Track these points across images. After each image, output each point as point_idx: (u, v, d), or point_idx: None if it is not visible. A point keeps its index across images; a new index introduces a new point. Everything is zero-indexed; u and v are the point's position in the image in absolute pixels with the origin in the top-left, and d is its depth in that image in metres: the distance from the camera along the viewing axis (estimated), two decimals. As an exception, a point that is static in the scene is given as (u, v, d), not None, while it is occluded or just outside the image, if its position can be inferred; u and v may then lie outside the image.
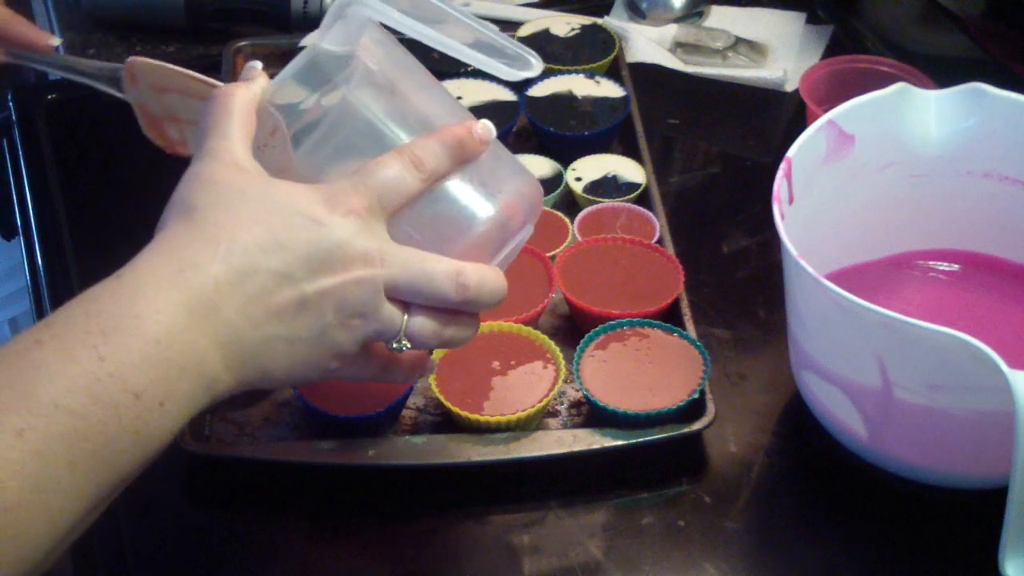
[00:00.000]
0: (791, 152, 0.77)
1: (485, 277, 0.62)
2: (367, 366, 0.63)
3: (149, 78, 0.79)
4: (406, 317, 0.60)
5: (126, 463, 0.53)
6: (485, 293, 0.62)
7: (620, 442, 0.77)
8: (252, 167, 0.59)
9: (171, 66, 0.78)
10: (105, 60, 1.19)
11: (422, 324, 0.61)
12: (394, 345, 0.61)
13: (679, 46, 1.18)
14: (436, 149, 0.60)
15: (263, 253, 0.56)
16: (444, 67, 1.06)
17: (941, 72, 0.99)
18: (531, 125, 1.03)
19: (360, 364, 0.62)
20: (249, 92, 0.62)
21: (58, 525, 0.51)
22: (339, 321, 0.58)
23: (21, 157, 1.06)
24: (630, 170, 0.98)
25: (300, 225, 0.57)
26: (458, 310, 0.62)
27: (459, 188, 0.62)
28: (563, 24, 1.13)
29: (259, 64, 0.64)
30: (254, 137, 0.61)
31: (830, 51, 1.18)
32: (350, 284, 0.58)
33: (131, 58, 0.80)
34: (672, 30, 1.19)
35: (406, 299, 0.60)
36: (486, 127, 0.63)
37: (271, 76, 0.64)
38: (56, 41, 0.83)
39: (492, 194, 0.63)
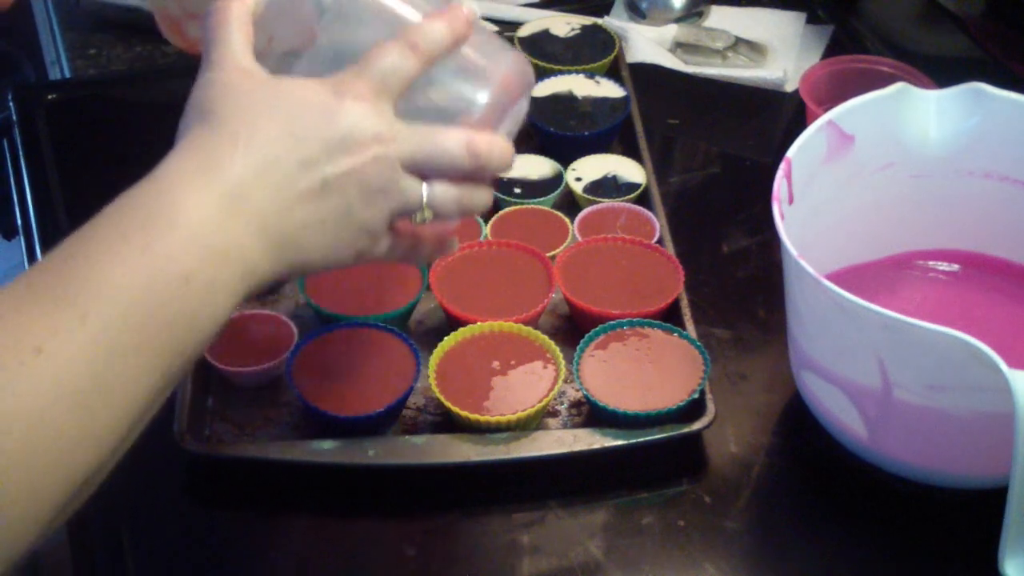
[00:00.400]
0: (791, 152, 0.77)
1: (493, 141, 0.65)
2: (396, 245, 0.66)
3: None
4: (425, 188, 0.64)
5: (185, 346, 0.55)
6: (496, 156, 0.65)
7: (620, 442, 0.77)
8: (257, 70, 0.62)
9: None
10: (105, 60, 1.20)
11: (442, 192, 0.64)
12: (418, 218, 0.64)
13: (679, 46, 1.18)
14: (428, 32, 0.63)
15: (281, 145, 0.59)
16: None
17: (941, 72, 0.99)
18: (531, 125, 1.03)
19: (389, 243, 0.65)
20: (243, 3, 0.65)
21: (129, 407, 0.53)
22: (363, 200, 0.61)
23: (21, 157, 1.06)
24: (630, 170, 0.98)
25: (313, 115, 0.60)
26: (472, 177, 0.65)
27: (456, 66, 0.66)
28: (563, 24, 1.13)
29: None
30: (253, 45, 0.64)
31: (830, 51, 1.18)
32: (368, 163, 0.61)
33: None
34: (672, 30, 1.19)
35: (423, 172, 0.63)
36: (470, 8, 0.66)
37: None
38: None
39: (486, 68, 0.67)
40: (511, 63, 0.68)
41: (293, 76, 0.63)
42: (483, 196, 0.67)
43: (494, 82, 0.67)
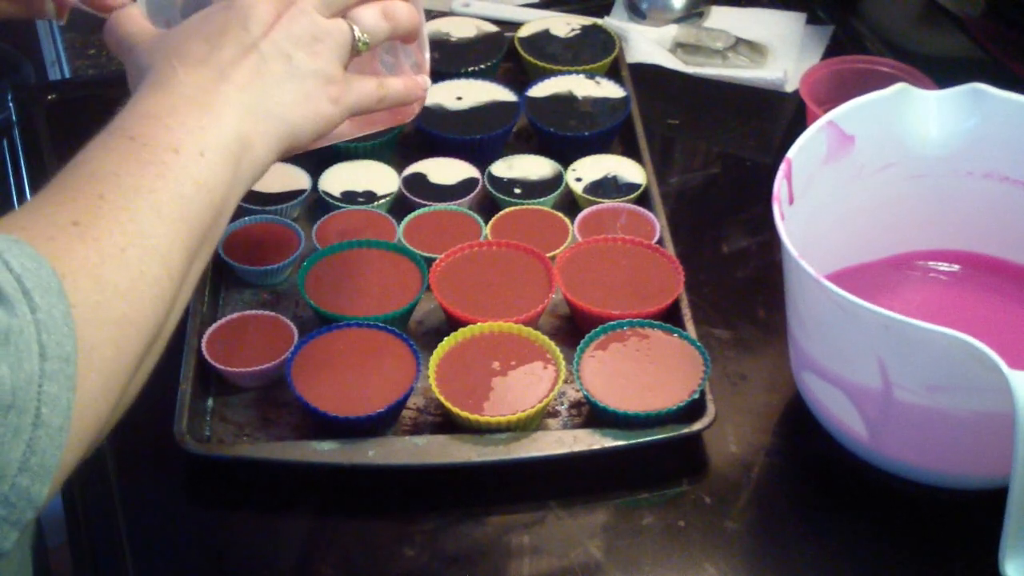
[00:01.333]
0: (791, 152, 0.77)
1: None
2: (365, 85, 0.72)
3: None
4: (349, 21, 0.71)
5: (201, 208, 0.61)
6: None
7: (620, 442, 0.77)
8: (164, 30, 0.71)
9: None
10: (105, 60, 1.20)
11: (364, 13, 0.71)
12: (360, 45, 0.71)
13: (679, 46, 1.18)
14: None
15: (207, 45, 0.66)
16: (443, 67, 1.06)
17: (941, 72, 0.99)
18: (531, 125, 1.03)
19: (359, 86, 0.72)
20: (130, 9, 0.73)
21: (171, 265, 0.58)
22: (305, 53, 0.68)
23: (21, 157, 1.06)
24: (630, 170, 0.98)
25: (218, 16, 0.68)
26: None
27: None
28: (563, 24, 1.13)
29: None
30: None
31: (830, 51, 1.18)
32: (287, 23, 0.68)
33: None
34: (672, 30, 1.19)
35: (338, 11, 0.71)
36: None
37: None
38: None
39: None
40: None
41: None
42: (402, 7, 0.74)
43: None
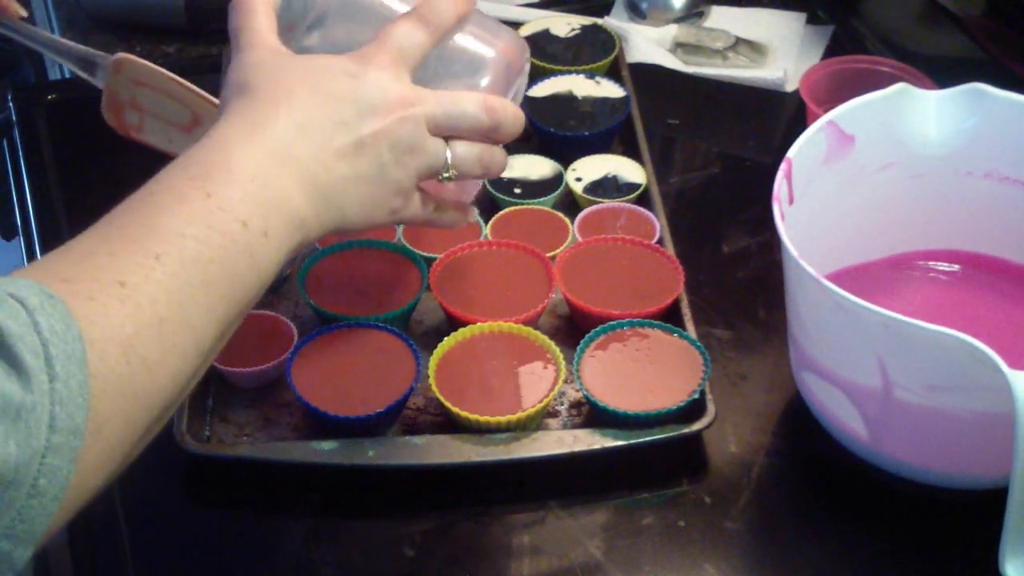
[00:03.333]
0: (791, 152, 0.77)
1: (505, 102, 0.72)
2: (424, 205, 0.72)
3: (133, 74, 0.86)
4: (448, 148, 0.70)
5: (247, 286, 0.60)
6: (510, 115, 0.72)
7: (620, 442, 0.77)
8: (284, 49, 0.68)
9: (161, 70, 0.86)
10: (105, 60, 1.20)
11: (464, 151, 0.70)
12: (443, 175, 0.70)
13: (679, 46, 1.18)
14: (435, 6, 0.70)
15: (317, 107, 0.64)
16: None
17: (941, 72, 0.99)
18: (531, 125, 1.03)
19: (418, 203, 0.71)
20: None
21: (202, 340, 0.57)
22: (394, 158, 0.67)
23: (21, 157, 1.06)
24: (630, 170, 0.98)
25: (341, 81, 0.66)
26: (489, 138, 0.72)
27: (463, 39, 0.74)
28: (563, 24, 1.13)
29: None
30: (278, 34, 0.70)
31: (830, 51, 1.18)
32: (396, 123, 0.66)
33: (122, 55, 0.86)
34: (672, 30, 1.19)
35: (445, 133, 0.69)
36: None
37: None
38: (24, 12, 0.88)
39: (490, 40, 0.75)
40: (508, 37, 0.76)
41: (316, 50, 0.70)
42: (501, 156, 0.73)
43: (497, 52, 0.74)
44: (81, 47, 0.87)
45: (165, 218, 0.57)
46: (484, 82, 0.73)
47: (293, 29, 0.73)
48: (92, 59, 0.86)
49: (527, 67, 0.78)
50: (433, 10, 0.70)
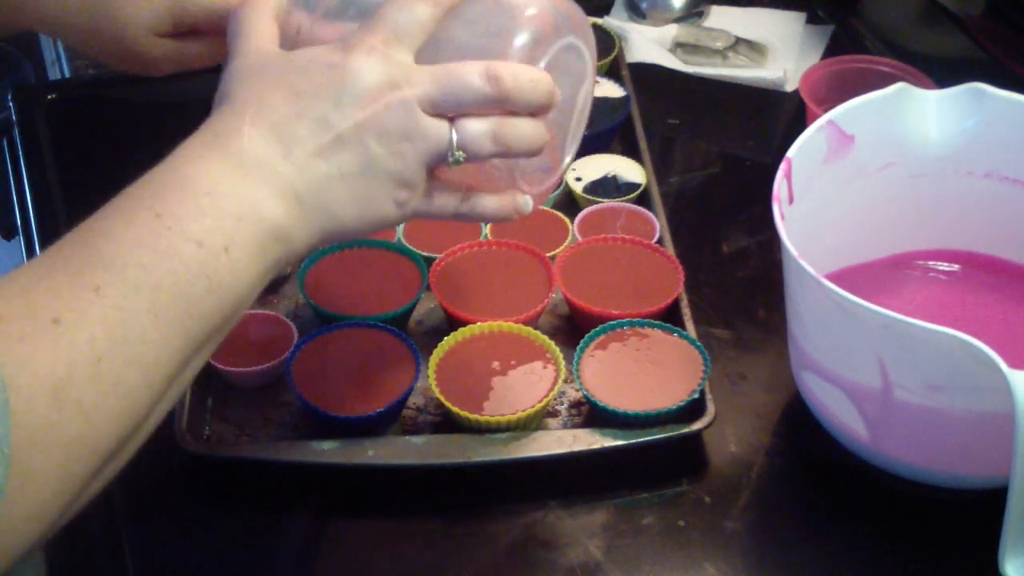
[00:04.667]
0: (791, 152, 0.77)
1: (518, 69, 0.62)
2: (447, 195, 0.65)
3: None
4: (453, 128, 0.61)
5: (209, 310, 0.55)
6: (523, 84, 0.61)
7: (620, 442, 0.77)
8: (275, 51, 0.63)
9: None
10: (105, 60, 1.20)
11: (472, 128, 0.61)
12: (450, 159, 0.61)
13: (679, 46, 1.18)
14: None
15: (288, 108, 0.59)
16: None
17: (941, 72, 0.99)
18: (531, 125, 1.03)
19: (437, 194, 0.64)
20: (266, 1, 0.66)
21: (153, 375, 0.53)
22: (387, 150, 0.60)
23: (21, 157, 1.06)
24: (630, 170, 0.99)
25: (317, 73, 0.60)
26: (509, 111, 0.62)
27: (479, 16, 0.64)
28: (563, 24, 1.13)
29: None
30: (280, 42, 0.65)
31: (830, 51, 1.18)
32: (381, 111, 0.59)
33: None
34: (672, 30, 1.19)
35: (447, 111, 0.61)
36: None
37: None
38: None
39: (512, 11, 0.64)
40: (542, 4, 0.64)
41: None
42: (524, 128, 0.63)
43: (521, 24, 0.63)
44: None
45: (110, 244, 0.53)
46: (501, 48, 0.63)
47: (300, 33, 0.67)
48: None
49: (575, 33, 0.66)
50: None
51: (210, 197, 0.56)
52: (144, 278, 0.52)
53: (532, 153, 0.64)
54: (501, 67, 0.61)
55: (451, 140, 0.61)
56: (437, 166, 0.63)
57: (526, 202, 0.68)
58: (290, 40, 0.66)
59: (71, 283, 0.51)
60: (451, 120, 0.61)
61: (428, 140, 0.61)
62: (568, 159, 0.71)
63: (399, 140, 0.60)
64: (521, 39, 0.63)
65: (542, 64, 0.64)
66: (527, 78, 0.62)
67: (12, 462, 0.46)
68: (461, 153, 0.61)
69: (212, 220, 0.55)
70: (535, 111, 0.63)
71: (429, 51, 0.62)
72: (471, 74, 0.61)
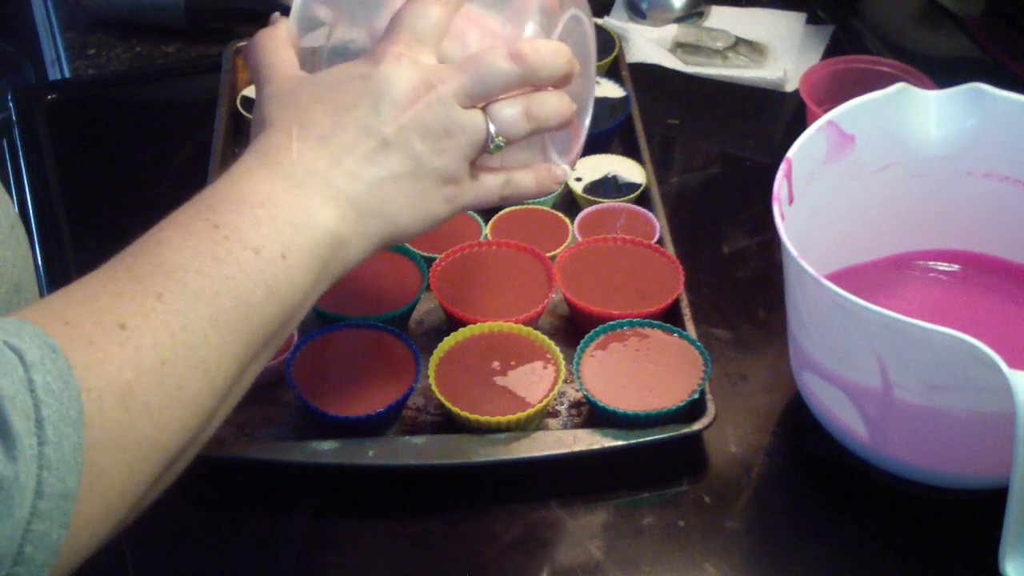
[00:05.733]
0: (791, 152, 0.77)
1: (537, 43, 0.65)
2: (490, 182, 0.67)
3: None
4: (487, 117, 0.64)
5: (268, 316, 0.57)
6: (546, 56, 0.65)
7: (620, 442, 0.77)
8: (302, 74, 0.66)
9: None
10: (105, 60, 1.20)
11: (506, 112, 0.65)
12: (491, 146, 0.65)
13: (679, 46, 1.18)
14: None
15: (331, 122, 0.62)
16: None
17: (941, 72, 0.99)
18: (531, 125, 1.03)
19: (480, 185, 0.67)
20: (277, 28, 0.69)
21: (216, 379, 0.54)
22: (431, 148, 0.63)
23: (21, 157, 1.06)
24: (630, 170, 0.99)
25: (353, 85, 0.62)
26: (534, 87, 0.65)
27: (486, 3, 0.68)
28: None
29: (276, 13, 0.71)
30: (298, 64, 0.68)
31: (830, 51, 1.18)
32: (421, 111, 0.62)
33: None
34: (672, 30, 1.19)
35: (482, 100, 0.64)
36: None
37: None
38: None
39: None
40: None
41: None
42: (552, 101, 0.66)
43: (531, 4, 0.67)
44: None
45: (170, 254, 0.55)
46: (512, 30, 0.67)
47: (316, 53, 0.70)
48: None
49: (578, 5, 0.70)
50: None
51: (265, 208, 0.58)
52: (204, 285, 0.54)
53: (563, 124, 0.67)
54: (522, 45, 0.64)
55: (488, 128, 0.64)
56: (478, 156, 0.65)
57: (565, 171, 0.72)
58: (308, 63, 0.69)
59: (134, 290, 0.53)
60: (483, 110, 0.64)
61: (468, 132, 0.64)
62: (586, 125, 0.74)
63: (441, 137, 0.63)
64: (534, 18, 0.67)
65: (555, 38, 0.68)
66: (548, 50, 0.65)
67: (85, 463, 0.47)
68: (501, 138, 0.65)
69: (269, 229, 0.57)
70: (558, 82, 0.66)
71: (449, 47, 0.65)
72: (496, 58, 0.64)
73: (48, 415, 0.46)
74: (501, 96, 0.65)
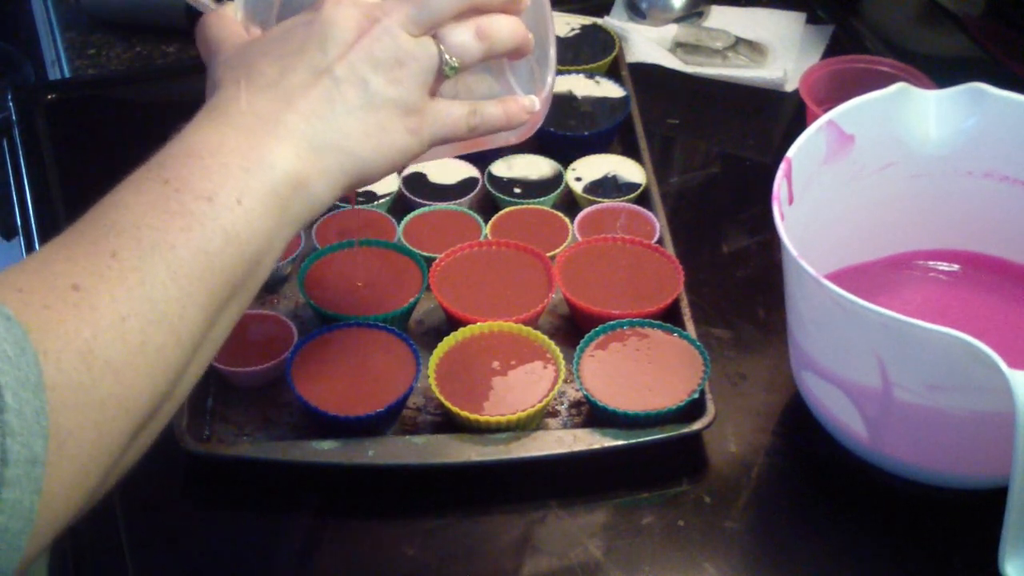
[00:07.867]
0: (791, 152, 0.77)
1: None
2: (454, 114, 0.66)
3: None
4: (438, 43, 0.64)
5: (229, 263, 0.56)
6: None
7: (620, 442, 0.77)
8: (249, 39, 0.66)
9: None
10: (105, 60, 1.20)
11: (455, 33, 0.64)
12: (446, 69, 0.64)
13: (679, 46, 1.18)
14: None
15: (277, 67, 0.61)
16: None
17: (941, 72, 0.99)
18: (531, 125, 1.03)
19: (444, 114, 0.66)
20: (225, 9, 0.68)
21: (181, 332, 0.54)
22: (384, 79, 0.62)
23: (21, 157, 1.06)
24: (630, 170, 0.99)
25: (298, 33, 0.62)
26: (482, 10, 0.65)
27: None
28: (563, 24, 1.13)
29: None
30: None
31: (830, 51, 1.18)
32: (369, 43, 0.62)
33: None
34: (672, 30, 1.19)
35: (428, 28, 0.64)
36: None
37: None
38: None
39: None
40: None
41: None
42: (503, 20, 0.66)
43: None
44: None
45: (122, 214, 0.54)
46: None
47: (264, 26, 0.70)
48: None
49: None
50: None
51: (215, 157, 0.57)
52: (159, 238, 0.53)
53: (519, 47, 0.67)
54: None
55: (440, 53, 0.64)
56: (435, 83, 0.64)
57: (532, 101, 0.70)
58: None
59: (87, 251, 0.52)
60: (434, 37, 0.64)
61: (420, 59, 0.63)
62: (551, 72, 0.73)
63: (392, 67, 0.62)
64: None
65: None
66: None
67: (51, 425, 0.47)
68: (455, 59, 0.64)
69: (220, 176, 0.56)
70: (508, 6, 0.66)
71: None
72: None
73: (6, 382, 0.46)
74: (448, 23, 0.64)
